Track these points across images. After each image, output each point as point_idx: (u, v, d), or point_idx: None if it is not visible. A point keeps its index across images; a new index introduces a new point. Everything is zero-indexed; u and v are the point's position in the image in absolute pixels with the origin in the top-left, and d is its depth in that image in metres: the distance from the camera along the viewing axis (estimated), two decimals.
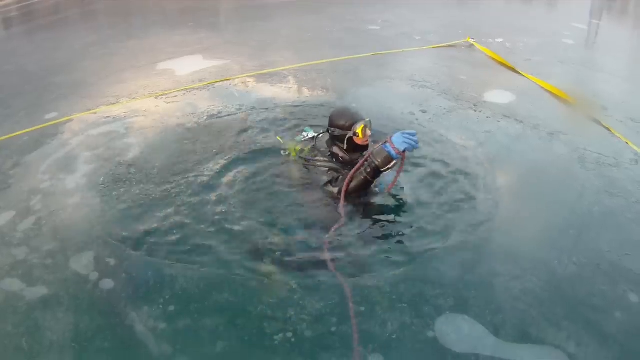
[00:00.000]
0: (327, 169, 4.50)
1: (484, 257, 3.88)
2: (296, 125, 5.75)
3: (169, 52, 8.95)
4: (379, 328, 3.24)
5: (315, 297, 3.48)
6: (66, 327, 3.32)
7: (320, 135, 4.86)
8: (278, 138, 5.14)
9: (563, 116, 6.35)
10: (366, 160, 4.13)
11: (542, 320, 3.32)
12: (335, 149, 4.60)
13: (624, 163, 5.20)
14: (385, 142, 4.05)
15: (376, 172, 4.11)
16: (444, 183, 4.66)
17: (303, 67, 7.88)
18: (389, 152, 4.01)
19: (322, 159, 4.58)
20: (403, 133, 4.04)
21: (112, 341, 3.21)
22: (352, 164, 4.40)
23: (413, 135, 4.04)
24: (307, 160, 4.66)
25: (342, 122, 4.51)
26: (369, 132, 4.51)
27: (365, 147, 4.54)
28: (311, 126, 5.18)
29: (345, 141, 4.50)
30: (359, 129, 4.43)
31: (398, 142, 4.00)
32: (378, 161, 4.05)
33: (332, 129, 4.58)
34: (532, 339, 3.19)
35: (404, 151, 4.03)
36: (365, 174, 4.14)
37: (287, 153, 4.88)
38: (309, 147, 4.81)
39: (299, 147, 4.83)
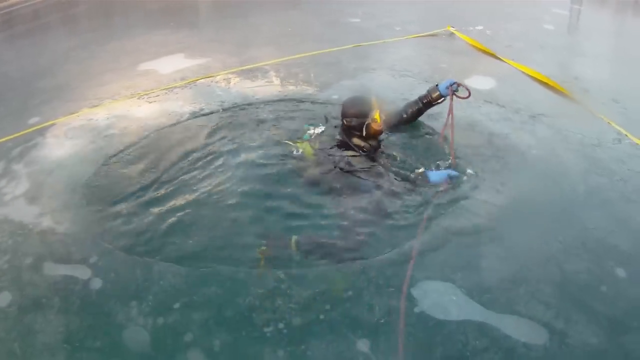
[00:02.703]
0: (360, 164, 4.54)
1: (470, 239, 3.90)
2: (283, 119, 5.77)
3: (151, 52, 8.90)
4: (367, 312, 3.27)
5: (302, 285, 3.50)
6: (57, 328, 3.33)
7: (324, 128, 4.87)
8: (287, 141, 5.00)
9: (545, 100, 6.37)
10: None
11: (530, 298, 3.36)
12: (356, 140, 4.63)
13: (607, 143, 5.25)
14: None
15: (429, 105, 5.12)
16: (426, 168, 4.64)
17: (285, 61, 7.86)
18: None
19: (352, 154, 4.58)
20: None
21: (103, 340, 3.23)
22: (376, 152, 4.66)
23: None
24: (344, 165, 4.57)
25: (358, 111, 4.56)
26: (383, 116, 4.60)
27: (380, 133, 4.68)
28: (311, 123, 5.10)
29: (364, 129, 4.55)
30: (376, 114, 4.52)
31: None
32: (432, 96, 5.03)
33: (348, 119, 4.61)
34: (521, 317, 3.23)
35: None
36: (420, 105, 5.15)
37: (299, 152, 4.77)
38: (325, 141, 4.77)
39: (317, 145, 4.74)
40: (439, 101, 5.07)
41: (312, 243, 3.88)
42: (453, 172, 4.45)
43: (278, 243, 3.86)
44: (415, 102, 5.19)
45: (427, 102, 5.12)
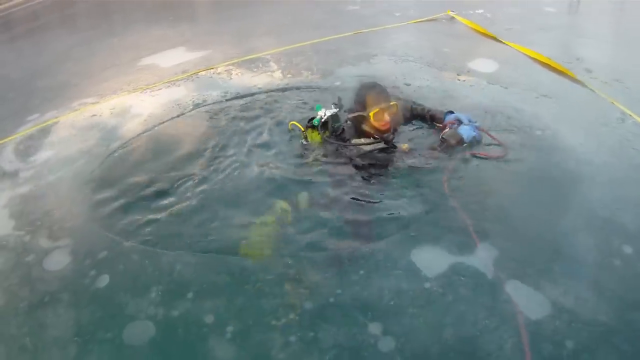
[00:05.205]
0: (374, 150, 4.46)
1: (476, 220, 3.86)
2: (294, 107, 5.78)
3: (151, 47, 8.91)
4: (377, 295, 3.28)
5: (312, 269, 3.52)
6: (67, 322, 3.36)
7: (337, 111, 4.69)
8: (292, 123, 4.99)
9: (548, 80, 6.34)
10: (441, 144, 4.51)
11: (538, 277, 3.35)
12: (365, 127, 4.51)
13: (611, 122, 5.22)
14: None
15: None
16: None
17: (286, 50, 7.86)
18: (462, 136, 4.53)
19: (364, 141, 4.48)
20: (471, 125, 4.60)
21: (114, 332, 3.23)
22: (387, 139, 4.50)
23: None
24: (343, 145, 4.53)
25: (360, 100, 4.47)
26: (387, 117, 4.41)
27: (381, 131, 4.47)
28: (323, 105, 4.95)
29: (358, 119, 4.47)
30: (372, 112, 4.36)
31: (468, 131, 4.55)
32: (453, 142, 4.49)
33: (355, 104, 4.53)
34: (530, 296, 3.23)
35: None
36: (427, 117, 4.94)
37: (307, 143, 4.71)
38: (333, 127, 4.65)
39: (326, 132, 4.66)
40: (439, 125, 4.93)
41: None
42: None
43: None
44: (429, 111, 5.01)
45: (433, 120, 4.97)
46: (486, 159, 4.48)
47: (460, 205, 3.99)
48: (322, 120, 4.65)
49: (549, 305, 3.15)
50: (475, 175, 4.34)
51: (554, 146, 4.79)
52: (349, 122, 4.62)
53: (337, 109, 4.71)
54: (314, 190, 4.29)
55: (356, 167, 4.44)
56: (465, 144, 4.51)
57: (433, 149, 4.47)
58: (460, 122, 4.66)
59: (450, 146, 4.46)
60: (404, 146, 4.52)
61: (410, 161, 4.39)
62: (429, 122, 5.00)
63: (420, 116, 5.05)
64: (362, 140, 4.49)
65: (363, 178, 4.36)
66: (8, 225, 4.38)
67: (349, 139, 4.54)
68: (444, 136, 4.52)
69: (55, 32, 12.15)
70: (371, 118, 4.37)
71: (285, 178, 4.47)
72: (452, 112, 4.80)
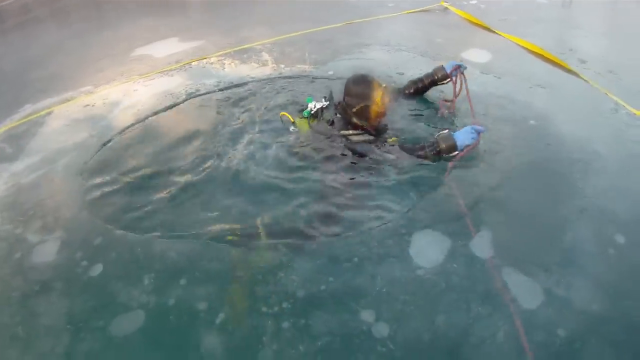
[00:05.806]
0: (362, 141, 4.48)
1: (471, 209, 3.89)
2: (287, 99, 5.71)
3: (144, 38, 8.85)
4: (369, 282, 3.30)
5: (303, 257, 3.53)
6: (61, 310, 3.36)
7: (327, 105, 4.78)
8: (283, 114, 5.03)
9: (541, 71, 6.35)
10: (431, 145, 4.29)
11: (532, 265, 3.38)
12: (355, 119, 4.53)
13: (605, 113, 5.25)
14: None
15: (439, 155, 4.29)
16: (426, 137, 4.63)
17: (278, 40, 7.84)
18: (455, 142, 4.21)
19: (353, 132, 4.52)
20: (472, 127, 4.24)
21: (107, 320, 3.23)
22: (377, 131, 4.56)
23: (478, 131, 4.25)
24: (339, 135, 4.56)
25: (359, 91, 4.47)
26: (387, 100, 4.51)
27: (381, 116, 4.57)
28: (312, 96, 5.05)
29: (364, 111, 4.47)
30: (378, 98, 4.42)
31: (465, 137, 4.19)
32: (443, 146, 4.22)
33: (348, 98, 4.54)
34: (524, 284, 3.25)
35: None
36: (428, 155, 4.30)
37: (296, 130, 4.78)
38: (323, 119, 4.72)
39: (313, 121, 4.74)
40: (445, 82, 5.08)
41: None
42: (477, 127, 4.26)
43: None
44: (420, 79, 5.20)
45: (432, 81, 5.13)
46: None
47: (454, 194, 4.00)
48: (312, 112, 4.75)
49: (543, 294, 3.18)
50: (468, 165, 4.34)
51: (547, 136, 4.80)
52: (338, 114, 4.66)
53: (327, 102, 4.81)
54: (302, 179, 4.32)
55: (344, 156, 4.45)
56: (456, 153, 4.24)
57: (421, 147, 4.36)
58: (460, 68, 4.90)
59: (440, 150, 4.26)
60: (392, 139, 4.53)
61: (396, 155, 4.38)
62: (429, 87, 5.22)
63: (409, 92, 5.24)
64: (351, 132, 4.53)
65: (352, 167, 4.37)
66: (0, 215, 4.36)
67: (337, 130, 4.58)
68: (437, 137, 4.32)
69: (46, 25, 12.05)
70: (378, 103, 4.45)
71: (277, 167, 4.47)
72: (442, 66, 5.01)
